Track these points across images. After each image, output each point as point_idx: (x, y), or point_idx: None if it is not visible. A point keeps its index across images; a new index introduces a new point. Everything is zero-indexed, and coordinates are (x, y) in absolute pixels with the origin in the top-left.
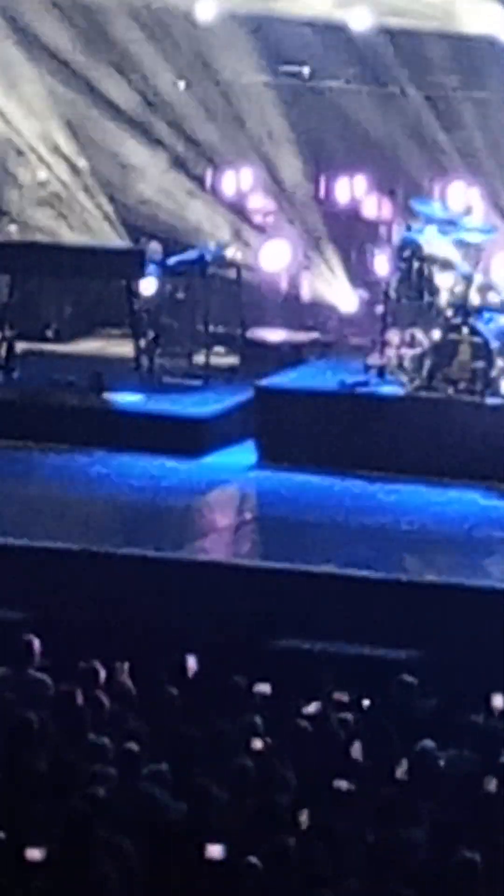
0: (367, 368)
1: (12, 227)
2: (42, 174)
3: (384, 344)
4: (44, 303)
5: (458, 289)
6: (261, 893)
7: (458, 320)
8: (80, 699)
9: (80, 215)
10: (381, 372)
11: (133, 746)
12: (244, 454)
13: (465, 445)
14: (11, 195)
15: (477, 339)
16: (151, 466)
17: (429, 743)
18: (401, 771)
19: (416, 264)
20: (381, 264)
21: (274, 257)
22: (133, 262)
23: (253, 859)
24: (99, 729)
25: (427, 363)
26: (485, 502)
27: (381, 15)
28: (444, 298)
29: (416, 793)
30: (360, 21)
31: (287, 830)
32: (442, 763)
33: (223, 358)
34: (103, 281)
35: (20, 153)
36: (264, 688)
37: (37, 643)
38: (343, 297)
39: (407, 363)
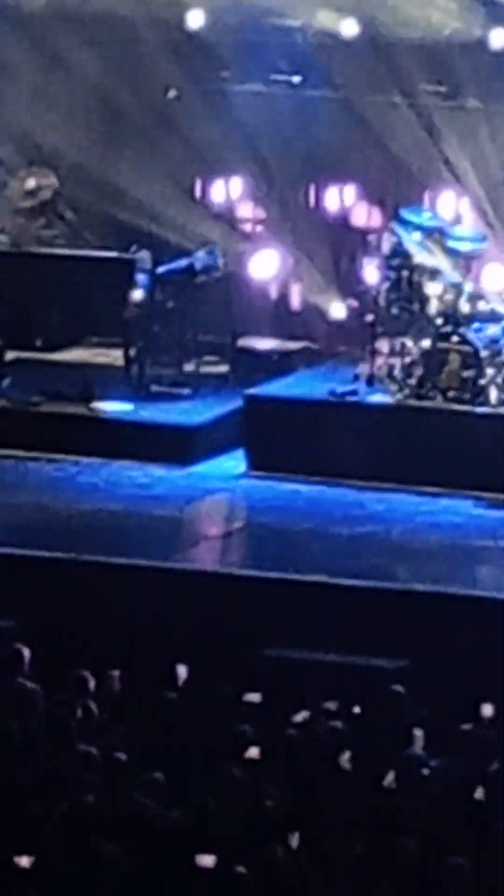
0: (356, 377)
1: (1, 237)
2: (31, 182)
3: (374, 353)
4: (33, 311)
5: (448, 297)
6: None
7: (447, 329)
8: (69, 708)
9: (69, 224)
10: (371, 381)
11: (122, 755)
12: (234, 463)
13: (454, 454)
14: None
15: (466, 348)
16: (141, 475)
17: (417, 751)
18: (389, 779)
19: (405, 273)
20: (371, 273)
21: (264, 266)
22: (123, 271)
23: (242, 868)
24: (88, 738)
25: (417, 372)
26: (475, 511)
27: (372, 24)
28: (433, 307)
29: (405, 801)
30: (349, 30)
31: (277, 839)
32: (430, 772)
33: (213, 366)
34: (93, 290)
35: (5, 162)
36: (254, 697)
37: (26, 652)
38: (333, 305)
39: (396, 372)
